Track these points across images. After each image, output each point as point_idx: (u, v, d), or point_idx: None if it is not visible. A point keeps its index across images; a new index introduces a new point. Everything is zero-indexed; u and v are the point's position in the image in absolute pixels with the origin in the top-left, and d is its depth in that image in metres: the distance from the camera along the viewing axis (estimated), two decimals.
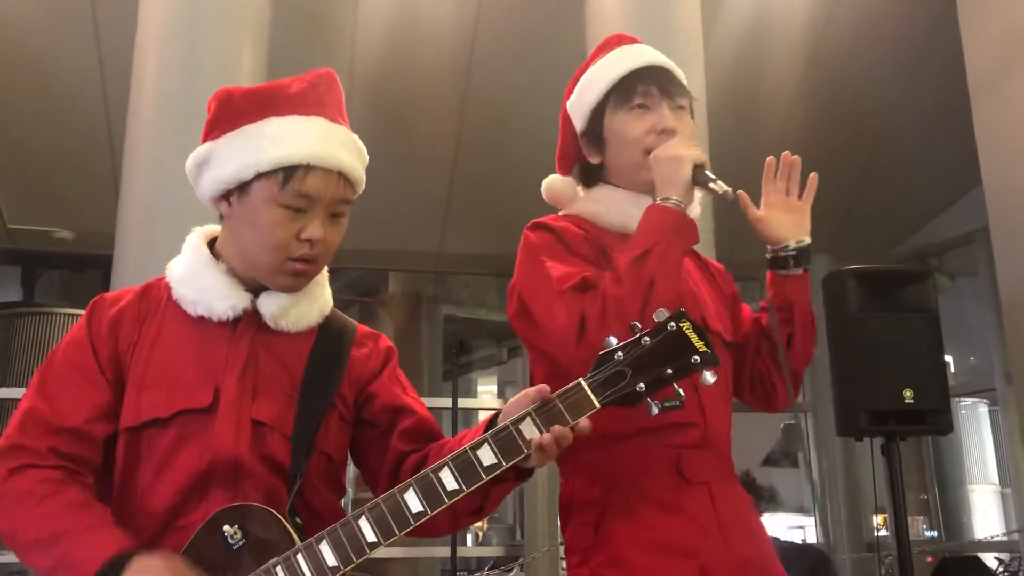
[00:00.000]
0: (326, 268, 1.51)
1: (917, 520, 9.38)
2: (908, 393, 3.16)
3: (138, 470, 1.35)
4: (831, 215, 7.42)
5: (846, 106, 6.59)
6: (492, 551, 8.22)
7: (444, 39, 5.96)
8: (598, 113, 1.66)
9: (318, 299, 1.49)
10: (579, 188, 1.73)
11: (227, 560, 1.27)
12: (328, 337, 1.48)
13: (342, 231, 1.44)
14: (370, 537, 1.25)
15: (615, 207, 1.64)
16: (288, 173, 1.37)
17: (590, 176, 1.71)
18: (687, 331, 1.30)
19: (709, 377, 1.30)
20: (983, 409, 10.65)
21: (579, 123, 1.70)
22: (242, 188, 1.40)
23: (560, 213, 1.71)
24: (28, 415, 1.36)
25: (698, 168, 1.52)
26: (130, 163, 3.85)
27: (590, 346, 1.42)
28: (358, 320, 1.58)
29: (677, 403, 1.49)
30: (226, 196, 1.43)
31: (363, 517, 1.26)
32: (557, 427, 1.27)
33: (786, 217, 1.68)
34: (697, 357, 1.30)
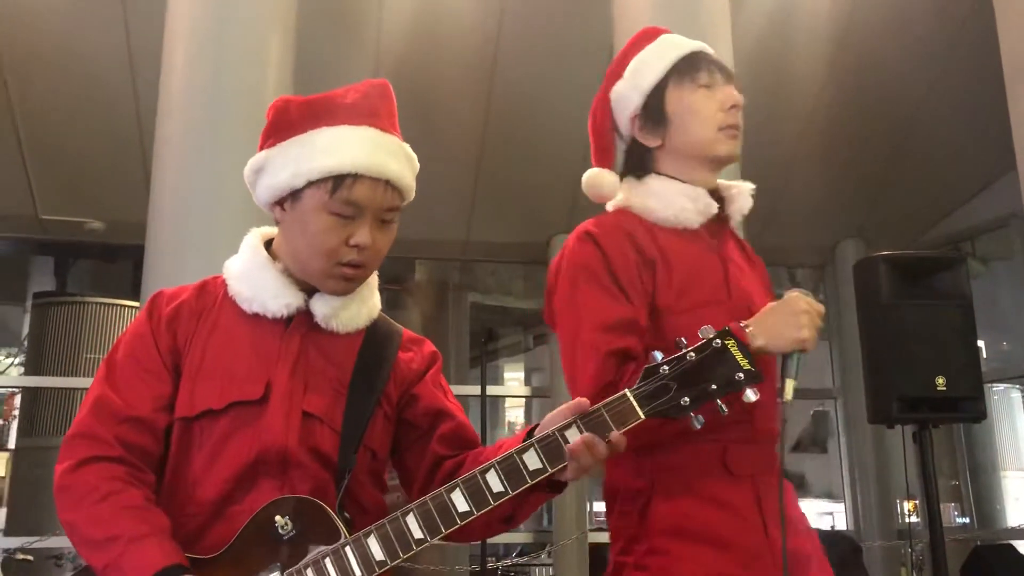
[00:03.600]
0: (376, 273, 1.56)
1: (948, 507, 9.30)
2: (940, 380, 3.13)
3: (190, 459, 1.40)
4: (862, 201, 7.35)
5: (876, 90, 6.50)
6: (521, 537, 8.24)
7: (469, 32, 5.95)
8: (658, 93, 1.66)
9: (367, 302, 1.54)
10: (627, 179, 1.72)
11: (277, 550, 1.31)
12: (376, 339, 1.53)
13: (391, 237, 1.49)
14: (417, 534, 1.29)
15: (669, 200, 1.64)
16: (337, 182, 1.42)
17: (640, 164, 1.70)
18: (732, 349, 1.35)
19: (751, 395, 1.34)
20: (1016, 395, 10.51)
21: (633, 105, 1.69)
22: (294, 195, 1.46)
23: (609, 206, 1.70)
24: (98, 403, 1.42)
25: (799, 352, 1.49)
26: (160, 154, 3.89)
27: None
28: (384, 308, 1.63)
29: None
30: (280, 202, 1.49)
31: (411, 514, 1.30)
32: (589, 434, 1.31)
33: None
34: (741, 375, 1.35)
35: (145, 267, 3.81)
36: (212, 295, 1.52)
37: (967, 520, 9.50)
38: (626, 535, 1.57)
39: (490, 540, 5.67)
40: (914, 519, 6.48)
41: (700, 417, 1.34)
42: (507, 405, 10.94)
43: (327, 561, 1.30)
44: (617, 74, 1.73)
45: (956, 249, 7.89)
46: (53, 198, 6.81)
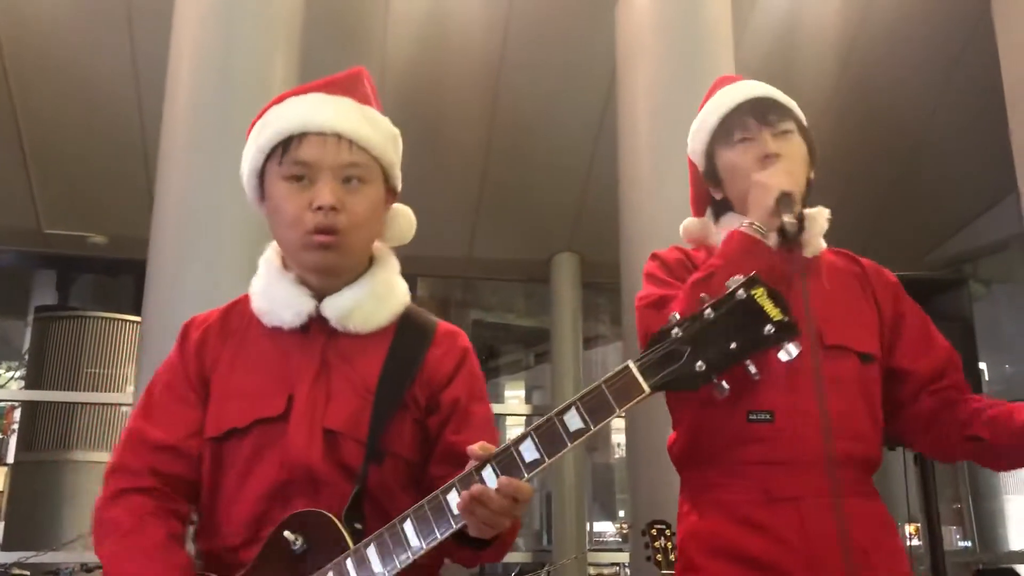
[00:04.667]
0: (393, 267, 1.51)
1: (950, 530, 9.25)
2: None
3: (223, 480, 1.39)
4: (865, 221, 7.35)
5: (880, 112, 6.53)
6: (519, 556, 8.20)
7: (474, 45, 5.98)
8: (710, 155, 1.75)
9: (386, 299, 1.47)
10: (713, 224, 1.80)
11: (292, 566, 1.28)
12: (405, 338, 1.45)
13: (366, 200, 1.42)
14: (414, 542, 1.22)
15: (728, 226, 1.70)
16: (285, 145, 1.40)
17: (719, 210, 1.79)
18: (759, 298, 1.13)
19: (793, 349, 1.14)
20: None
21: (699, 165, 1.79)
22: (261, 180, 1.45)
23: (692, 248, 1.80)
24: (131, 434, 1.44)
25: (785, 195, 1.57)
26: (164, 168, 3.90)
27: None
28: None
29: (767, 417, 1.50)
30: (262, 198, 1.48)
31: (408, 520, 1.24)
32: (479, 487, 1.17)
33: None
34: (771, 327, 1.13)
35: (147, 282, 3.81)
36: (239, 314, 1.50)
37: (969, 543, 9.44)
38: (677, 555, 1.64)
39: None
40: (916, 542, 6.44)
41: (724, 384, 1.15)
42: (508, 423, 10.92)
43: (330, 575, 1.27)
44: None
45: (958, 271, 7.89)
46: (56, 212, 6.83)
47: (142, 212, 4.37)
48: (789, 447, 1.54)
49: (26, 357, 7.96)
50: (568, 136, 6.45)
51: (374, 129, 1.45)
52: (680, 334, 1.16)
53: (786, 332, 1.13)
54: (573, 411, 1.17)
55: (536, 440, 1.18)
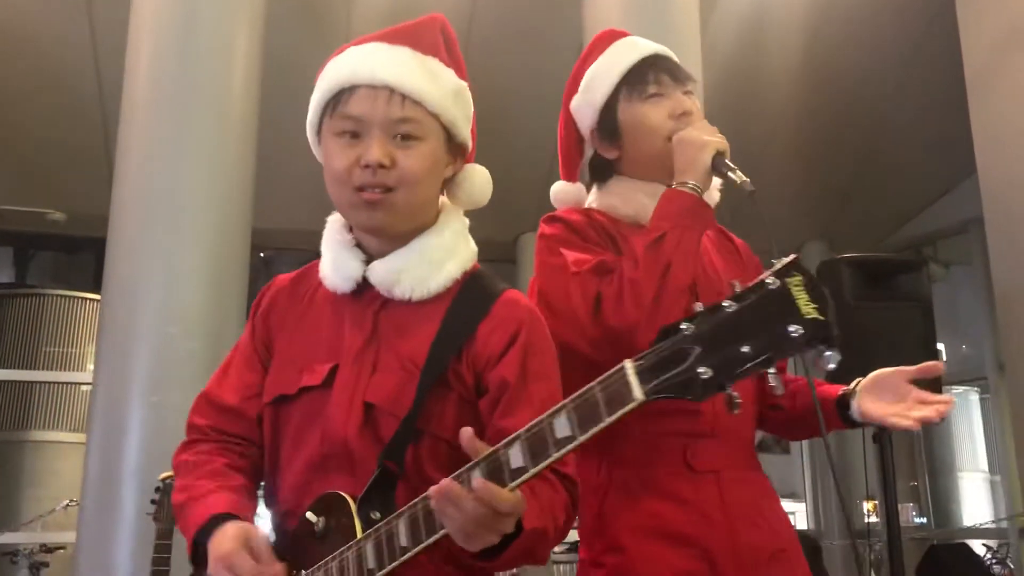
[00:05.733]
0: (461, 228, 1.40)
1: (907, 507, 9.44)
2: None
3: (280, 445, 1.36)
4: (827, 204, 7.44)
5: (842, 97, 6.59)
6: None
7: None
8: (610, 107, 1.65)
9: (441, 264, 1.34)
10: (592, 188, 1.73)
11: (312, 548, 1.24)
12: (461, 306, 1.32)
13: (422, 157, 1.31)
14: (403, 540, 1.11)
15: (629, 197, 1.64)
16: (335, 99, 1.32)
17: (602, 172, 1.71)
18: (794, 289, 0.89)
19: (830, 356, 0.90)
20: (974, 397, 10.70)
21: (589, 119, 1.69)
22: (320, 140, 1.37)
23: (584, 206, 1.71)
24: (202, 396, 1.44)
25: (719, 155, 1.51)
26: (124, 145, 3.83)
27: (604, 327, 1.44)
28: None
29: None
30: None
31: (403, 519, 1.13)
32: (448, 481, 1.05)
33: (889, 405, 1.64)
34: (798, 328, 0.87)
35: (107, 260, 3.75)
36: (311, 278, 1.43)
37: (925, 520, 9.65)
38: (586, 532, 1.56)
39: None
40: (873, 519, 6.57)
41: (736, 396, 0.93)
42: None
43: (334, 566, 1.19)
44: (574, 87, 1.74)
45: (918, 253, 8.02)
46: (13, 188, 6.70)
47: (101, 188, 4.30)
48: (710, 420, 1.54)
49: None
50: (534, 116, 6.41)
51: (432, 82, 1.34)
52: (691, 329, 0.92)
53: (818, 335, 0.88)
54: (563, 416, 1.00)
55: (525, 444, 1.02)
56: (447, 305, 1.32)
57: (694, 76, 1.70)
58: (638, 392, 0.95)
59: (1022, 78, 4.46)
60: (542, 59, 5.98)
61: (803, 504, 8.81)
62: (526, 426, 1.04)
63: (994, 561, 7.24)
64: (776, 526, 1.58)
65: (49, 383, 6.87)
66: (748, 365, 0.90)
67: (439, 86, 1.35)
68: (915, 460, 9.70)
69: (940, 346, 5.89)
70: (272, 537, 1.32)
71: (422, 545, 1.09)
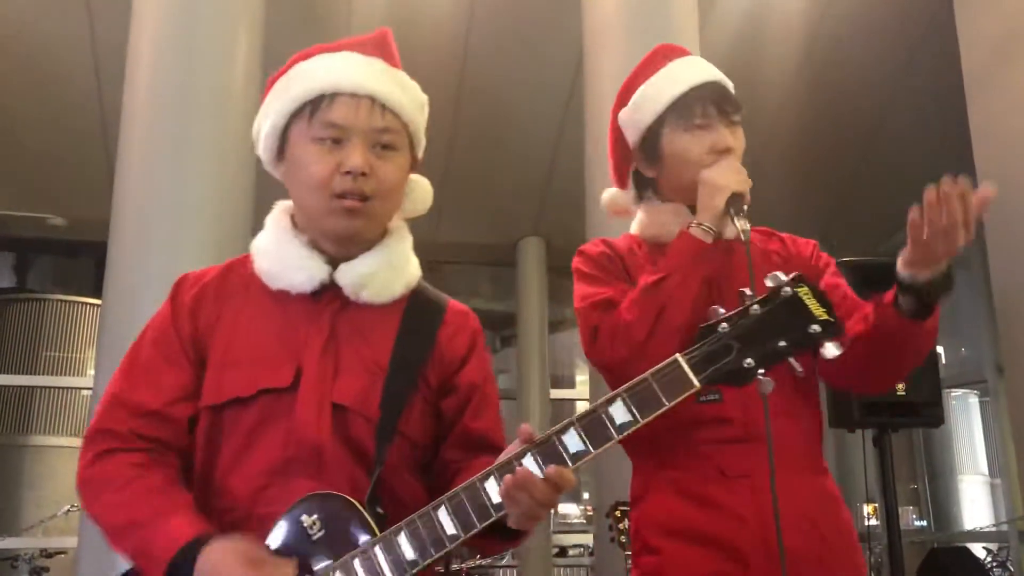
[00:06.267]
0: (408, 238, 1.45)
1: (907, 510, 9.44)
2: (900, 385, 3.19)
3: (219, 451, 1.31)
4: (825, 207, 7.45)
5: (841, 99, 6.60)
6: None
7: (440, 31, 5.96)
8: (654, 131, 1.68)
9: (401, 271, 1.40)
10: (633, 199, 1.78)
11: (307, 551, 1.22)
12: (416, 312, 1.39)
13: (397, 168, 1.36)
14: (450, 530, 1.17)
15: (653, 219, 1.71)
16: (315, 105, 1.33)
17: (643, 187, 1.75)
18: (805, 297, 1.16)
19: (833, 349, 1.17)
20: (974, 400, 10.70)
21: (634, 137, 1.72)
22: (284, 139, 1.37)
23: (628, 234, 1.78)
24: (113, 399, 1.35)
25: (735, 197, 1.56)
26: (124, 150, 3.84)
27: (598, 358, 1.56)
28: None
29: (716, 397, 1.54)
30: (280, 155, 1.40)
31: (442, 507, 1.18)
32: (523, 469, 1.14)
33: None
34: (816, 327, 1.16)
35: (108, 264, 3.76)
36: (239, 275, 1.41)
37: (925, 523, 9.65)
38: (632, 539, 1.63)
39: None
40: (873, 522, 6.57)
41: (770, 380, 1.17)
42: None
43: (356, 563, 1.19)
44: (624, 99, 1.75)
45: (948, 280, 8.00)
46: (13, 193, 6.71)
47: (102, 193, 4.30)
48: (740, 426, 1.56)
49: None
50: (534, 121, 6.45)
51: (405, 94, 1.40)
52: (728, 329, 1.17)
53: (830, 331, 1.16)
54: (619, 403, 1.16)
55: (580, 431, 1.16)
56: (401, 310, 1.38)
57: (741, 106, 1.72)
58: (695, 380, 1.16)
59: (1020, 81, 4.47)
60: (541, 65, 6.00)
61: None
62: (577, 414, 1.17)
63: (994, 564, 7.24)
64: (826, 531, 1.56)
65: (50, 388, 6.87)
66: (784, 355, 1.16)
67: (411, 98, 1.41)
68: (915, 463, 9.69)
69: (939, 349, 5.90)
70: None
71: (475, 530, 1.16)
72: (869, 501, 5.76)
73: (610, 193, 1.82)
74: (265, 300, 1.36)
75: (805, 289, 1.17)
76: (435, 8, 5.92)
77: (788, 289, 1.17)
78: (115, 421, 1.32)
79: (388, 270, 1.38)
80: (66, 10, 5.51)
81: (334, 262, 1.36)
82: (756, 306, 1.17)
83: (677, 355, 1.17)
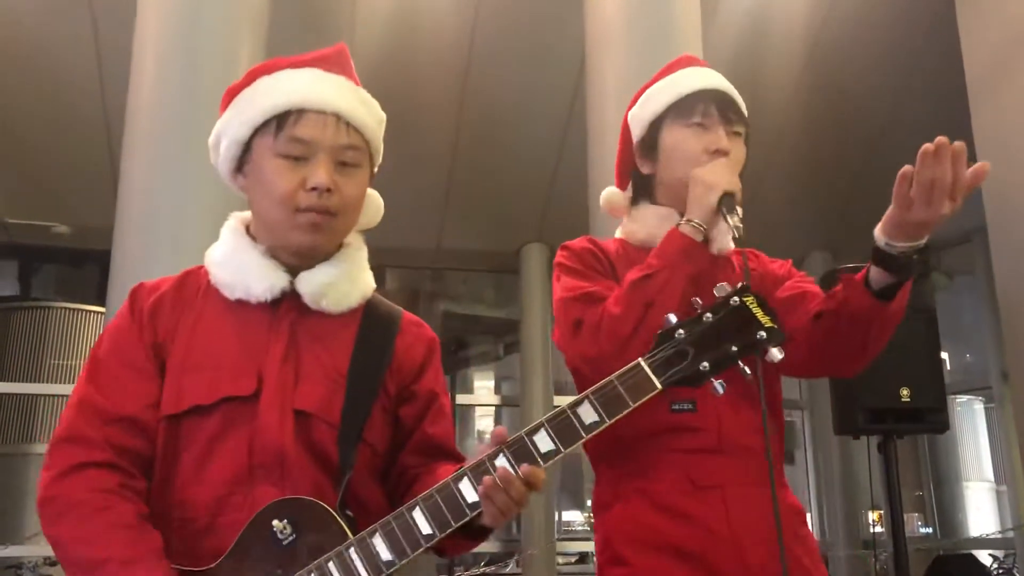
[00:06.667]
0: (364, 250, 1.48)
1: (912, 517, 9.41)
2: (905, 392, 3.18)
3: (179, 460, 1.31)
4: (830, 214, 7.44)
5: (844, 105, 6.60)
6: (487, 546, 8.22)
7: (443, 37, 5.97)
8: (656, 125, 1.70)
9: (358, 281, 1.43)
10: (629, 202, 1.78)
11: (277, 557, 1.22)
12: (373, 322, 1.43)
13: (359, 185, 1.39)
14: (426, 529, 1.21)
15: (644, 224, 1.71)
16: (281, 120, 1.35)
17: (639, 188, 1.76)
18: (751, 306, 1.26)
19: (777, 354, 1.25)
20: (979, 406, 10.67)
21: (637, 132, 1.74)
22: (246, 153, 1.39)
23: (617, 232, 1.78)
24: (83, 403, 1.33)
25: (726, 196, 1.56)
26: (128, 157, 3.84)
27: (579, 352, 1.56)
28: None
29: (689, 407, 1.55)
30: (239, 167, 1.42)
31: (417, 508, 1.22)
32: (503, 469, 1.20)
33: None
34: (763, 332, 1.25)
35: (112, 272, 3.76)
36: (194, 285, 1.42)
37: (930, 530, 9.61)
38: (598, 548, 1.60)
39: None
40: (879, 529, 6.54)
41: (720, 383, 1.25)
42: (477, 414, 10.93)
43: (331, 565, 1.21)
44: (635, 100, 1.79)
45: (921, 262, 8.00)
46: (17, 201, 6.72)
47: (106, 201, 4.31)
48: (713, 436, 1.56)
49: None
50: (537, 127, 6.45)
51: (368, 111, 1.42)
52: (684, 335, 1.25)
53: (775, 338, 1.26)
54: (587, 404, 1.23)
55: (550, 431, 1.22)
56: (358, 319, 1.41)
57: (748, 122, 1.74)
58: (657, 383, 1.24)
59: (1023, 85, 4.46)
60: (544, 72, 6.01)
61: (808, 514, 8.78)
62: (546, 416, 1.24)
63: (1000, 571, 7.21)
64: (793, 545, 1.54)
65: (54, 396, 6.87)
66: (735, 359, 1.25)
67: (372, 115, 1.43)
68: (920, 470, 9.66)
69: (944, 355, 5.89)
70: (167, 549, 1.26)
71: (450, 529, 1.21)
72: (874, 508, 5.75)
73: (609, 192, 1.83)
74: (223, 309, 1.38)
75: (751, 298, 1.26)
76: (438, 13, 5.93)
77: (736, 299, 1.26)
78: (87, 426, 1.30)
79: (346, 281, 1.41)
80: (70, 17, 5.53)
81: (293, 271, 1.39)
82: (708, 314, 1.26)
83: (640, 359, 1.25)
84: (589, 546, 8.32)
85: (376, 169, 1.49)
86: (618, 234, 1.75)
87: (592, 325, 1.53)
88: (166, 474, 1.31)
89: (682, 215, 1.61)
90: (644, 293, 1.51)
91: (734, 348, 1.25)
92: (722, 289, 1.27)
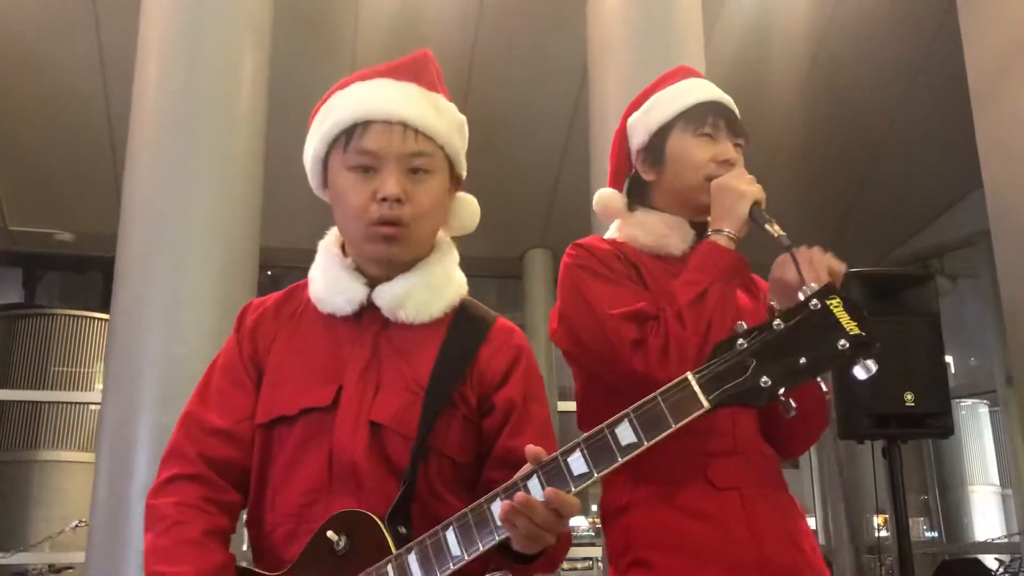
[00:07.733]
0: (452, 256, 1.47)
1: (917, 521, 9.38)
2: (909, 396, 3.18)
3: (270, 468, 1.36)
4: (832, 217, 7.43)
5: (847, 109, 6.60)
6: None
7: (445, 41, 5.97)
8: (662, 133, 1.71)
9: (442, 289, 1.42)
10: (626, 205, 1.78)
11: (334, 567, 1.24)
12: (460, 331, 1.40)
13: (431, 191, 1.38)
14: (455, 551, 1.17)
15: (649, 229, 1.70)
16: (348, 134, 1.37)
17: (637, 193, 1.76)
18: (835, 309, 1.06)
19: (861, 372, 1.07)
20: (983, 410, 10.64)
21: (640, 138, 1.74)
22: (325, 168, 1.41)
23: (605, 236, 1.76)
24: (186, 418, 1.41)
25: (756, 205, 1.56)
26: (132, 165, 3.85)
27: (641, 372, 1.46)
28: None
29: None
30: (325, 185, 1.44)
31: (450, 528, 1.19)
32: (523, 495, 1.13)
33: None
34: (845, 342, 1.05)
35: (115, 279, 3.76)
36: (297, 299, 1.47)
37: (935, 534, 9.58)
38: (615, 552, 1.59)
39: None
40: (884, 533, 6.53)
41: (792, 403, 1.07)
42: None
43: None
44: (636, 106, 1.79)
45: (924, 266, 8.00)
46: (22, 209, 6.74)
47: (109, 208, 4.32)
48: (728, 438, 1.57)
49: None
50: (540, 132, 6.46)
51: (440, 117, 1.41)
52: (745, 345, 1.08)
53: (862, 348, 1.06)
54: (626, 424, 1.12)
55: (585, 452, 1.13)
56: (445, 329, 1.40)
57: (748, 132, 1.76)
58: (705, 401, 1.09)
59: None
60: (546, 78, 6.01)
61: (812, 519, 8.76)
62: (584, 435, 1.15)
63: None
64: (804, 547, 1.58)
65: (58, 403, 6.88)
66: (807, 375, 1.05)
67: (445, 120, 1.42)
68: (925, 474, 9.63)
69: (948, 359, 5.88)
70: (256, 557, 1.33)
71: (477, 552, 1.16)
72: (879, 512, 5.74)
73: (607, 194, 1.82)
74: (316, 324, 1.41)
75: (836, 300, 1.07)
76: (441, 18, 5.94)
77: (816, 301, 1.07)
78: (185, 440, 1.38)
79: (425, 290, 1.40)
80: (74, 25, 5.54)
81: (375, 283, 1.40)
82: (778, 320, 1.07)
83: (688, 373, 1.11)
84: (595, 551, 8.29)
85: (463, 173, 1.48)
86: (613, 234, 1.74)
87: (659, 348, 1.47)
88: (260, 482, 1.37)
89: (693, 223, 1.64)
90: (703, 312, 1.49)
91: (803, 360, 1.05)
92: (805, 291, 1.09)
